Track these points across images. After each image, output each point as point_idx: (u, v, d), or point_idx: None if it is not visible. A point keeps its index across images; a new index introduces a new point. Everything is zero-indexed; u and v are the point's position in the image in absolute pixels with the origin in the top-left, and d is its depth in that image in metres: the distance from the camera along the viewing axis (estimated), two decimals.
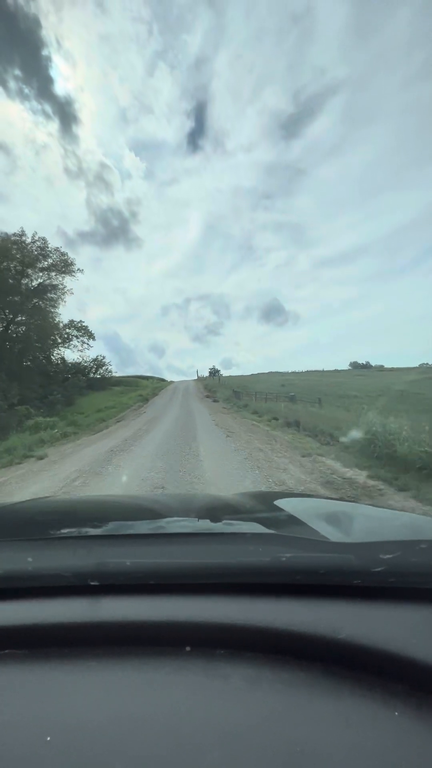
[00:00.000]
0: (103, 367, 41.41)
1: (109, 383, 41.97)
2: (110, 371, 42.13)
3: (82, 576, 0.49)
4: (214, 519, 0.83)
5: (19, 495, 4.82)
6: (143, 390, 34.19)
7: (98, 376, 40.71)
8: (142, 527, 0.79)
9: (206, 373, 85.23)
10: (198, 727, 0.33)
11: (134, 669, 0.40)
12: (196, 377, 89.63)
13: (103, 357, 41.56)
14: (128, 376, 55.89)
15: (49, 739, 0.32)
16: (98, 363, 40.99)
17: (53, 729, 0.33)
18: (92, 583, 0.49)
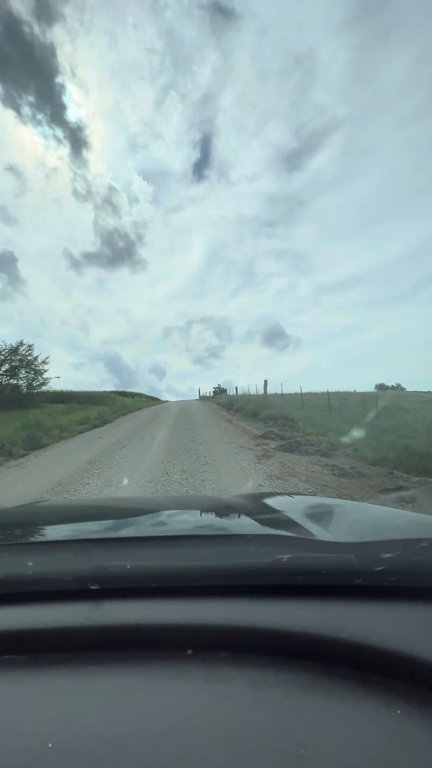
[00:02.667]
0: (30, 367, 22.17)
1: (43, 398, 22.76)
2: (43, 373, 22.72)
3: (82, 580, 0.48)
4: (215, 521, 0.84)
5: None
6: (84, 413, 14.71)
7: (19, 383, 21.47)
8: (143, 530, 0.77)
9: (210, 393, 67.89)
10: (201, 731, 0.32)
11: (136, 673, 0.39)
12: (198, 397, 71.74)
13: (30, 347, 22.20)
14: (94, 392, 36.45)
15: (50, 745, 0.31)
16: (21, 360, 21.78)
17: (55, 735, 0.32)
18: (93, 587, 0.48)
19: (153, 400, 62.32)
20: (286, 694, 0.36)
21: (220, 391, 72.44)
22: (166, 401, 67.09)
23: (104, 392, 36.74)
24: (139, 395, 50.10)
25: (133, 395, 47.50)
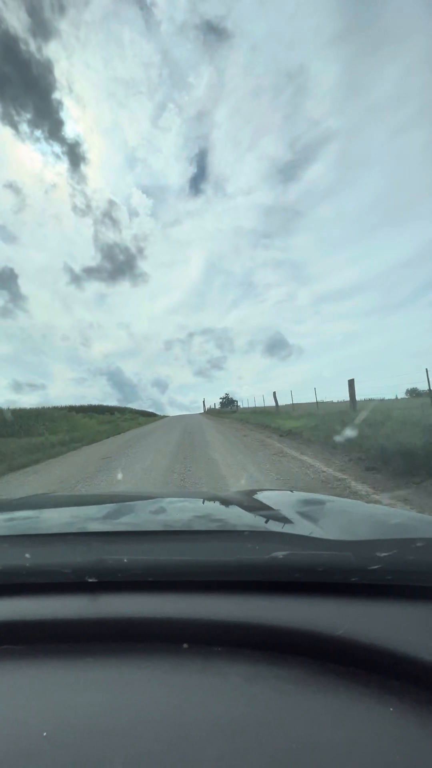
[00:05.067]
0: None
1: None
2: None
3: (80, 572, 0.49)
4: (213, 516, 0.83)
5: None
6: None
7: None
8: (141, 524, 0.77)
9: (217, 404, 54.27)
10: (196, 724, 0.32)
11: (132, 666, 0.40)
12: (203, 410, 57.74)
13: None
14: (39, 408, 22.41)
15: (45, 734, 0.32)
16: None
17: (50, 724, 0.33)
18: (90, 580, 0.48)
19: (148, 416, 48.03)
20: (281, 690, 0.36)
21: (228, 401, 58.74)
22: (165, 416, 52.61)
23: (53, 408, 22.80)
24: (122, 411, 36.09)
25: (112, 411, 33.51)
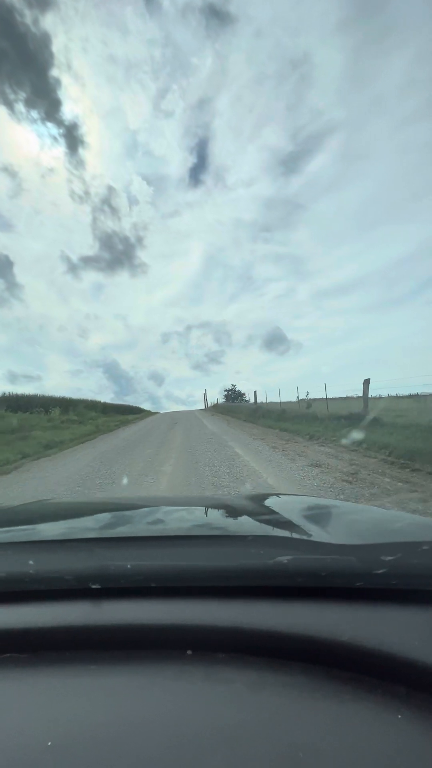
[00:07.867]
0: None
1: None
2: None
3: (83, 579, 0.49)
4: (216, 521, 0.84)
5: None
6: None
7: None
8: (144, 530, 0.77)
9: (221, 399, 40.28)
10: (200, 731, 0.32)
11: (136, 673, 0.40)
12: (205, 406, 43.37)
13: None
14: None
15: (50, 744, 0.31)
16: None
17: (54, 733, 0.32)
18: (93, 586, 0.48)
19: (128, 414, 33.83)
20: (285, 697, 0.36)
21: (235, 395, 44.88)
22: (155, 413, 38.40)
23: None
24: (72, 405, 21.24)
25: (51, 406, 19.20)
